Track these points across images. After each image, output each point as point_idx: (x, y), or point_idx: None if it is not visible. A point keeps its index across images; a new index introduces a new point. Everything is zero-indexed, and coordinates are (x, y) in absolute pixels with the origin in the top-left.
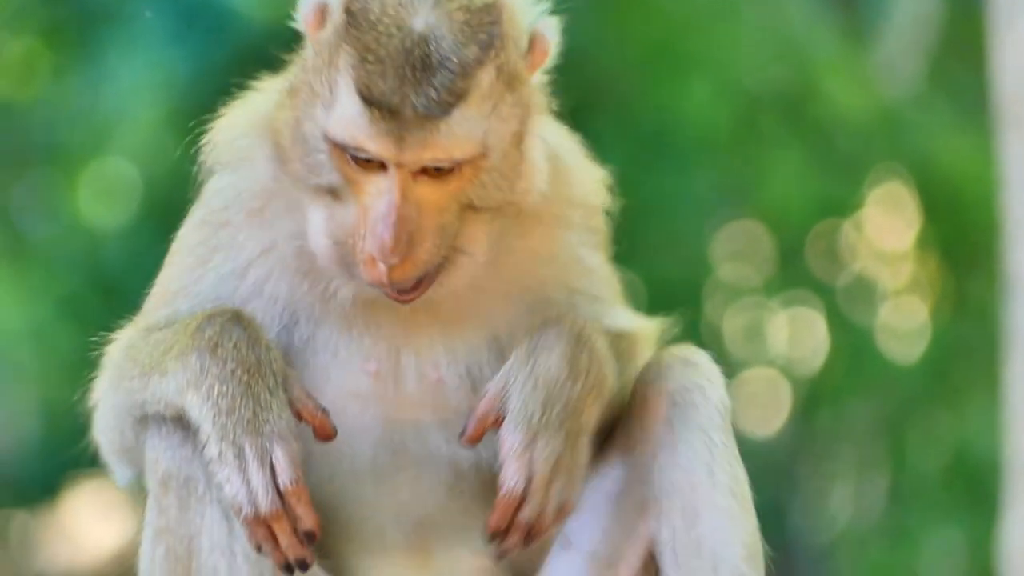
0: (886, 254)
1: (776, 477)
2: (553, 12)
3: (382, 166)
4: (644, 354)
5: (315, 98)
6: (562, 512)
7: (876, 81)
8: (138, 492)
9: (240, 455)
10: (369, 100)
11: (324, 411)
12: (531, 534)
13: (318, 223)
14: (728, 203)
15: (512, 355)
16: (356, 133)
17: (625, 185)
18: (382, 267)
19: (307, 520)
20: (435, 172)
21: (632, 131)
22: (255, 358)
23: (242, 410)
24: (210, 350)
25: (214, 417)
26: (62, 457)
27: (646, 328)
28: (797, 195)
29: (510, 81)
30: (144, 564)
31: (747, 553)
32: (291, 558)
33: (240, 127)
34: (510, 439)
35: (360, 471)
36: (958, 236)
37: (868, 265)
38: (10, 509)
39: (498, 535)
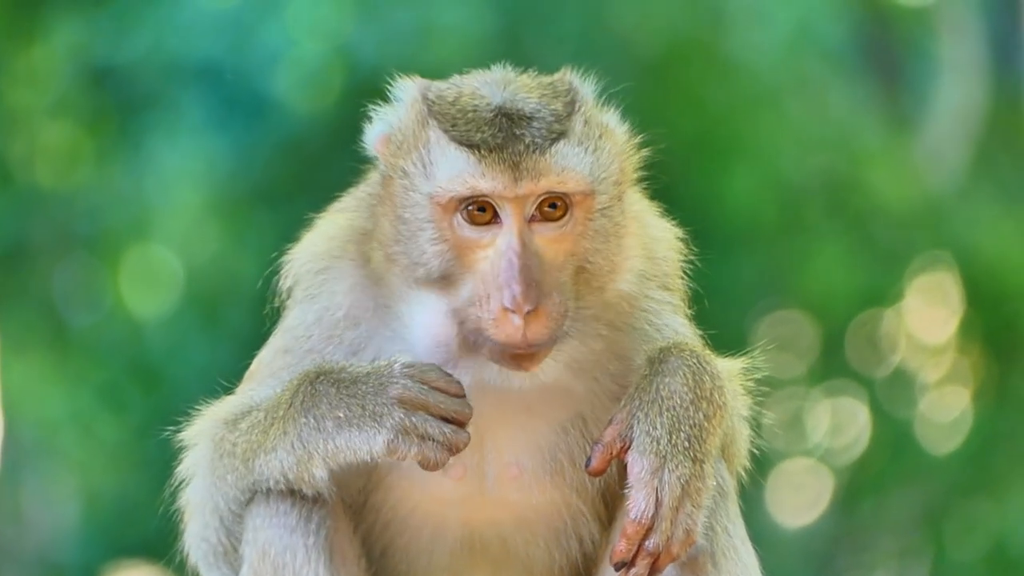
0: (927, 345)
1: (816, 566)
2: (600, 98)
3: (494, 219)
4: (738, 388)
5: (409, 179)
6: (687, 539)
7: (920, 170)
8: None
9: (403, 421)
10: (473, 145)
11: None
12: (657, 562)
13: (431, 313)
14: (770, 292)
15: (634, 382)
16: (466, 178)
17: None
18: (516, 321)
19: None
20: (549, 213)
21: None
22: (351, 377)
23: (367, 397)
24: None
25: (345, 426)
26: (102, 543)
27: (734, 367)
28: (840, 285)
29: (601, 135)
30: None
31: None
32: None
33: (317, 255)
34: (638, 465)
35: (436, 569)
36: (1000, 326)
37: (909, 356)
38: None
39: (624, 564)
